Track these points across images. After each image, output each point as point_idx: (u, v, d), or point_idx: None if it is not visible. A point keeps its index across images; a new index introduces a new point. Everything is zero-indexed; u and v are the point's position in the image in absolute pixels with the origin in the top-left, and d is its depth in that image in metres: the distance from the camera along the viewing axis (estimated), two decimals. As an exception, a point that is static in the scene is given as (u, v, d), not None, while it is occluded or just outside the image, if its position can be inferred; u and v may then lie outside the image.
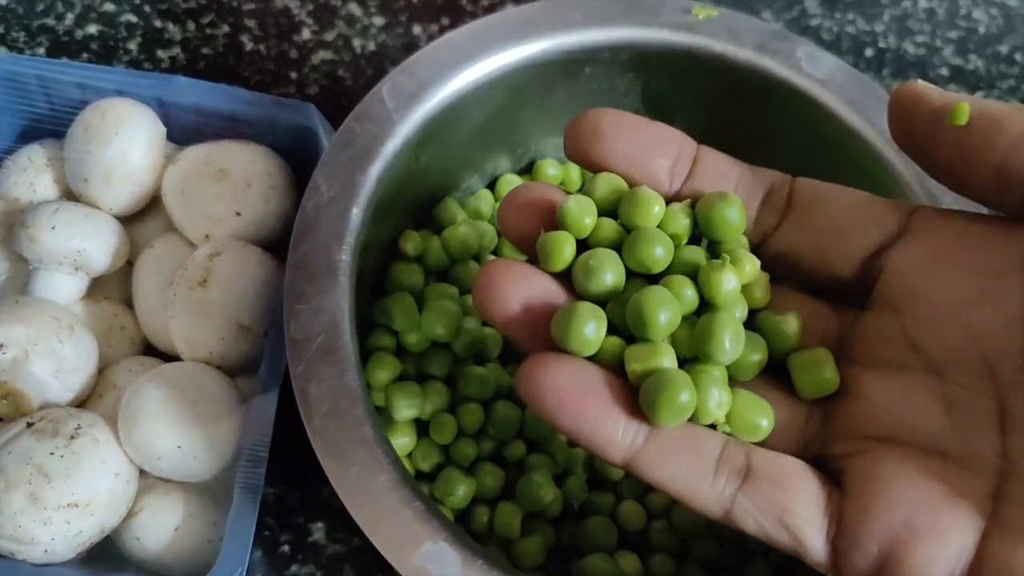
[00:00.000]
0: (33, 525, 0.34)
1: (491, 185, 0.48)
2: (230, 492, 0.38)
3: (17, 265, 0.43)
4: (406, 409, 0.38)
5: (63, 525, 0.35)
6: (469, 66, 0.39)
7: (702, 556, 0.40)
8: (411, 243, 0.43)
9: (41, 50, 0.54)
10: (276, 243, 0.43)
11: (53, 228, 0.40)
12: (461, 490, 0.38)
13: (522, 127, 0.45)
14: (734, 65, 0.41)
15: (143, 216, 0.45)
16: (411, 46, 0.56)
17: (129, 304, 0.44)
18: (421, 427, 0.41)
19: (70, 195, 0.44)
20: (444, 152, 0.42)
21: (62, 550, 0.35)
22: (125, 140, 0.42)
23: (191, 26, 0.56)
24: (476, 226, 0.44)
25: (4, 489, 0.35)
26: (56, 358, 0.38)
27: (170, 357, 0.43)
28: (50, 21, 0.55)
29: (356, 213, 0.35)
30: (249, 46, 0.55)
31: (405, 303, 0.39)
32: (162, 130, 0.43)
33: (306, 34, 0.56)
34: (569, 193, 0.28)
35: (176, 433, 0.36)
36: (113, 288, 0.44)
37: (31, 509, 0.34)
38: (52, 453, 0.35)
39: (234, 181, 0.42)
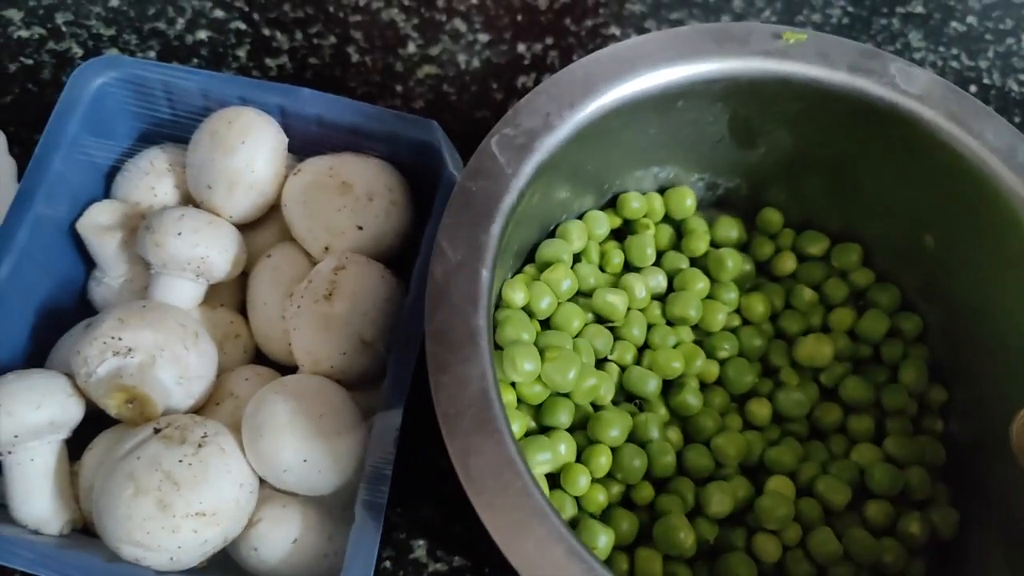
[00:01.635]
0: (161, 532, 0.34)
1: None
2: (347, 507, 0.38)
3: (135, 268, 0.43)
4: (541, 464, 0.37)
5: (190, 534, 0.35)
6: (571, 113, 0.39)
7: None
8: (519, 292, 0.41)
9: (152, 53, 0.54)
10: (393, 259, 0.43)
11: (179, 234, 0.40)
12: (603, 540, 0.37)
13: (610, 164, 0.44)
14: (828, 87, 0.41)
15: (259, 225, 0.45)
16: (515, 64, 0.56)
17: (242, 312, 0.44)
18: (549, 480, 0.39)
19: (190, 200, 0.44)
20: (545, 198, 0.41)
21: (187, 559, 0.35)
22: (251, 149, 0.42)
23: (299, 35, 0.56)
24: (577, 268, 0.43)
25: (133, 495, 0.35)
26: (181, 364, 0.38)
27: (282, 367, 0.43)
28: (161, 25, 0.55)
29: (485, 275, 0.35)
30: (355, 57, 0.55)
31: (524, 355, 0.37)
32: (285, 140, 0.43)
33: (411, 48, 0.56)
34: None
35: (302, 446, 0.36)
36: (226, 295, 0.44)
37: (160, 516, 0.34)
38: (181, 460, 0.35)
39: (357, 194, 0.42)
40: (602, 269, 0.45)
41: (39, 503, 0.37)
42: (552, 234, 0.45)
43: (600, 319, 0.43)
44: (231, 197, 0.42)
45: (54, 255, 0.43)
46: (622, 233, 0.47)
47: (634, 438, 0.41)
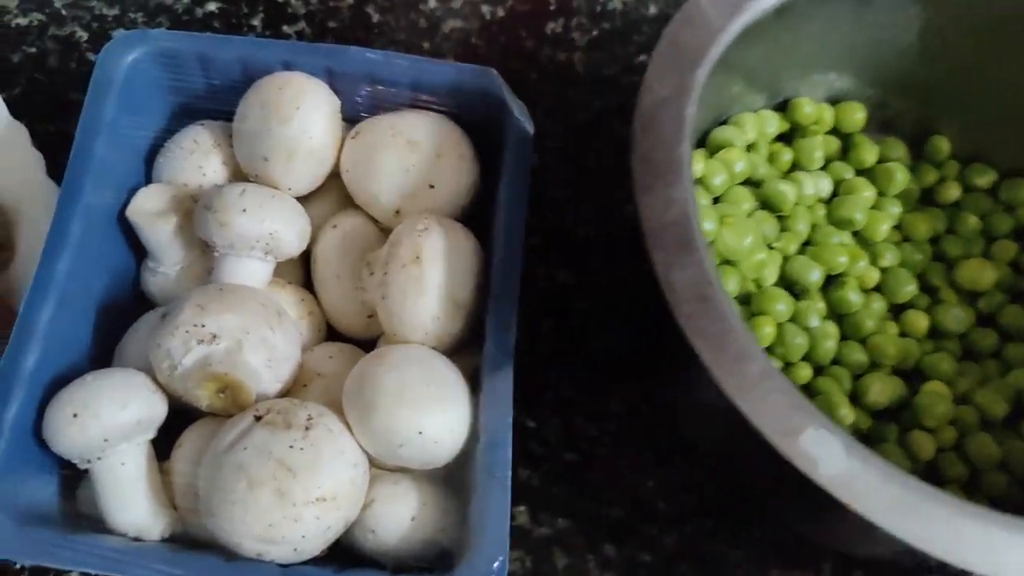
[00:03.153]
0: (284, 523, 0.32)
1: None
2: (457, 478, 0.36)
3: (192, 254, 0.40)
4: None
5: (313, 521, 0.33)
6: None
7: (991, 492, 0.39)
8: (697, 163, 0.42)
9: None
10: (465, 218, 0.41)
11: (244, 211, 0.38)
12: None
13: (791, 61, 0.44)
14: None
15: (316, 195, 0.42)
16: (541, 10, 0.54)
17: (308, 288, 0.42)
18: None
19: (240, 176, 0.42)
20: (726, 78, 0.40)
21: (310, 548, 0.34)
22: (306, 115, 0.39)
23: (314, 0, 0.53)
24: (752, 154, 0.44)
25: (248, 487, 0.32)
26: (268, 347, 0.36)
27: (355, 342, 0.41)
28: (167, 0, 0.52)
29: (690, 111, 0.36)
30: (376, 17, 0.53)
31: (703, 215, 0.38)
32: (338, 103, 0.41)
33: (432, 3, 0.54)
34: None
35: (417, 419, 0.34)
36: (288, 273, 0.42)
37: (280, 506, 0.32)
38: (291, 446, 0.33)
39: (424, 152, 0.40)
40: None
41: (136, 509, 0.35)
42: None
43: (767, 208, 0.43)
44: (290, 168, 0.40)
45: (106, 247, 0.40)
46: (787, 140, 0.47)
47: (794, 322, 0.41)
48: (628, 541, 0.42)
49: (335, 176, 0.42)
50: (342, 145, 0.41)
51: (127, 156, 0.41)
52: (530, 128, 0.40)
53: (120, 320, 0.40)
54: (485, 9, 0.54)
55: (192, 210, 0.40)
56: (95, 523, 0.35)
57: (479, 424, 0.35)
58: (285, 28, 0.52)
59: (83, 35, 0.51)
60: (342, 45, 0.41)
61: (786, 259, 0.43)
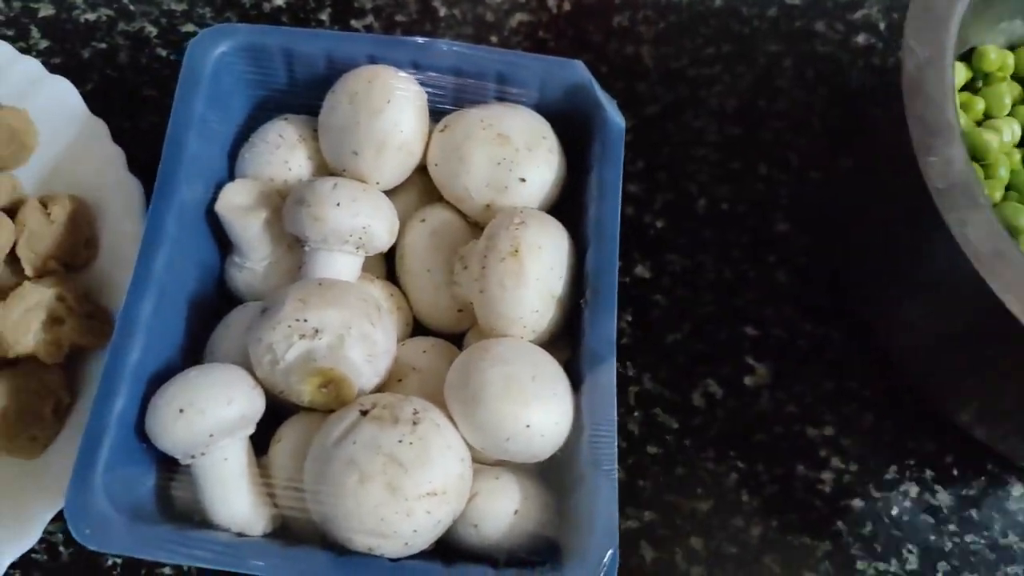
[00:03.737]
0: (396, 517, 0.32)
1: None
2: (557, 470, 0.36)
3: (279, 249, 0.40)
4: None
5: (424, 515, 0.33)
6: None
7: None
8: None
9: (231, 25, 0.51)
10: (553, 211, 0.41)
11: (338, 205, 0.38)
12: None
13: (988, 13, 0.44)
14: None
15: (399, 189, 0.42)
16: (607, 5, 0.54)
17: (391, 282, 0.42)
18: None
19: (324, 171, 0.41)
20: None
21: (420, 542, 0.34)
22: (397, 108, 0.39)
23: (381, -7, 0.53)
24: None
25: (359, 482, 0.32)
26: (368, 342, 0.36)
27: (443, 336, 0.41)
28: (234, -7, 0.52)
29: (950, 75, 0.36)
30: (443, 11, 0.53)
31: None
32: (425, 96, 0.41)
33: (498, -4, 0.54)
34: None
35: (524, 412, 0.34)
36: (370, 267, 0.42)
37: (392, 501, 0.32)
38: (400, 441, 0.33)
39: (515, 145, 0.40)
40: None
41: (239, 504, 0.35)
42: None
43: (972, 158, 0.42)
44: (380, 161, 0.40)
45: (197, 242, 0.40)
46: (968, 89, 0.47)
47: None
48: (714, 534, 0.42)
49: (418, 169, 0.42)
50: (429, 139, 0.41)
51: (213, 150, 0.41)
52: (621, 121, 0.40)
53: (207, 315, 0.40)
54: (551, 2, 0.54)
55: (279, 205, 0.39)
56: (190, 519, 0.35)
57: (582, 417, 0.35)
58: (353, 22, 0.52)
59: (152, 30, 0.50)
60: (428, 38, 0.41)
61: (994, 206, 0.42)
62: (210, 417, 0.34)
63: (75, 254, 0.42)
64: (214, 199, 0.40)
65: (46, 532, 0.39)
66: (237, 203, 0.40)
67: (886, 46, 0.54)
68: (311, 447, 0.35)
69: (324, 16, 0.52)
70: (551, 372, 0.36)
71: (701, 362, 0.45)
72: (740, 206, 0.49)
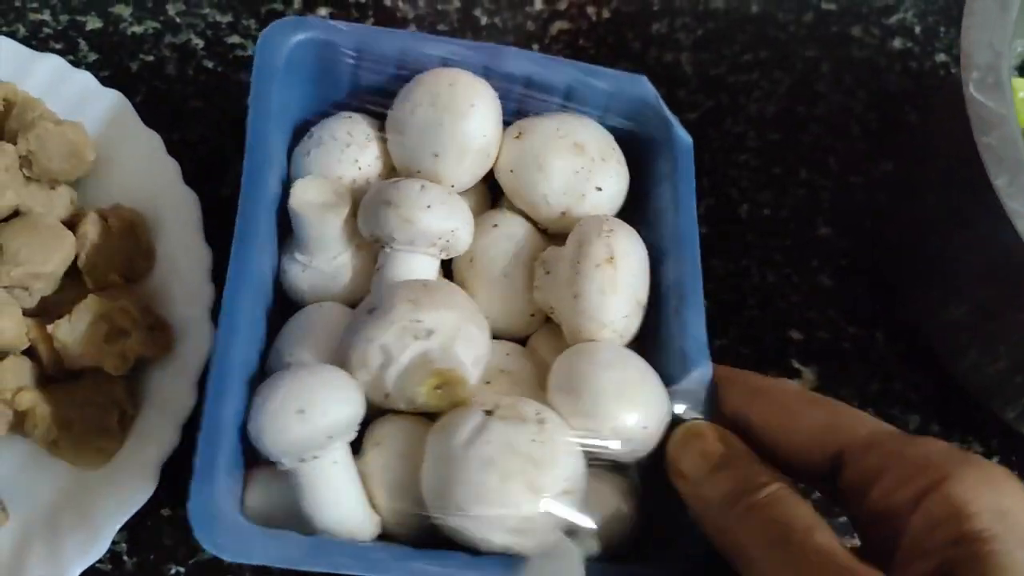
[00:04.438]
0: (537, 515, 0.33)
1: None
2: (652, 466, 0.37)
3: (350, 248, 0.39)
4: None
5: (561, 512, 0.33)
6: None
7: None
8: None
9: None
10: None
11: (428, 207, 0.37)
12: None
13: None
14: None
15: (464, 194, 0.42)
16: (646, 12, 0.54)
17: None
18: None
19: (390, 172, 0.41)
20: None
21: (550, 540, 0.34)
22: (481, 112, 0.39)
23: (421, 3, 0.53)
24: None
25: (501, 481, 0.32)
26: (475, 343, 0.36)
27: (509, 340, 0.41)
28: (278, 6, 0.52)
29: (1010, 92, 0.37)
30: (484, 20, 0.53)
31: None
32: (499, 103, 0.41)
33: (538, 4, 0.54)
34: None
35: (643, 414, 0.35)
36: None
37: (533, 499, 0.32)
38: (533, 440, 0.33)
39: (591, 155, 0.41)
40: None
41: (348, 507, 0.34)
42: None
43: None
44: (460, 165, 0.40)
45: (271, 239, 0.39)
46: None
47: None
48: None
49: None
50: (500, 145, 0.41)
51: (282, 146, 0.40)
52: (689, 139, 0.42)
53: (273, 314, 0.39)
54: (591, 10, 0.54)
55: (351, 205, 0.38)
56: (278, 525, 0.34)
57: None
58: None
59: (199, 43, 0.51)
60: (500, 45, 0.41)
61: None
62: (331, 418, 0.33)
63: (134, 266, 0.42)
64: (281, 195, 0.39)
65: (111, 542, 0.39)
66: (313, 200, 0.38)
67: (922, 49, 0.55)
68: (432, 450, 0.34)
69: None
70: (652, 376, 0.37)
71: (748, 367, 0.46)
72: (782, 211, 0.50)
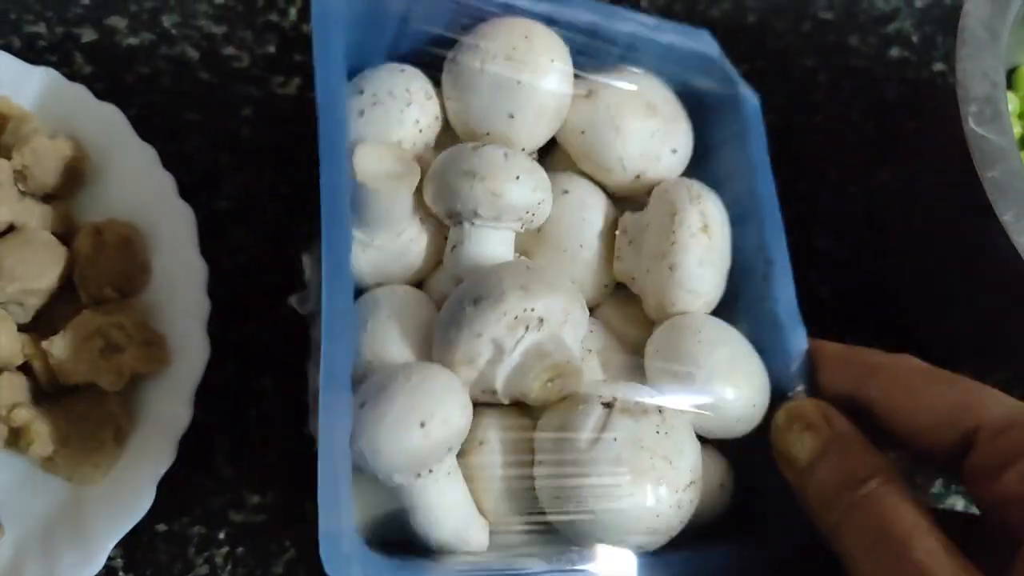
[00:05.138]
0: (670, 512, 0.31)
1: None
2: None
3: (415, 224, 0.36)
4: None
5: (688, 506, 0.32)
6: None
7: None
8: None
9: (271, 48, 0.51)
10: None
11: (517, 178, 0.34)
12: None
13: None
14: None
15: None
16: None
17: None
18: None
19: (451, 133, 0.37)
20: None
21: (681, 531, 0.33)
22: (560, 69, 0.36)
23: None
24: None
25: (633, 481, 0.30)
26: (580, 327, 0.33)
27: None
28: (274, 17, 0.52)
29: (1007, 114, 0.37)
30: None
31: None
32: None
33: None
34: None
35: (752, 392, 0.35)
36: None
37: (666, 496, 0.31)
38: (657, 432, 0.32)
39: (664, 115, 0.38)
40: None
41: (463, 519, 0.32)
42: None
43: None
44: (536, 126, 0.36)
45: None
46: None
47: None
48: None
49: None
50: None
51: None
52: (755, 99, 0.40)
53: None
54: None
55: (417, 173, 0.35)
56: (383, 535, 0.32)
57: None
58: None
59: (194, 54, 0.50)
60: None
61: None
62: (452, 427, 0.30)
63: (130, 281, 0.42)
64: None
65: (106, 558, 0.39)
66: (379, 170, 0.34)
67: (919, 59, 0.55)
68: (545, 448, 0.32)
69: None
70: (753, 351, 0.36)
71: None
72: (780, 222, 0.50)
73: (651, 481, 0.31)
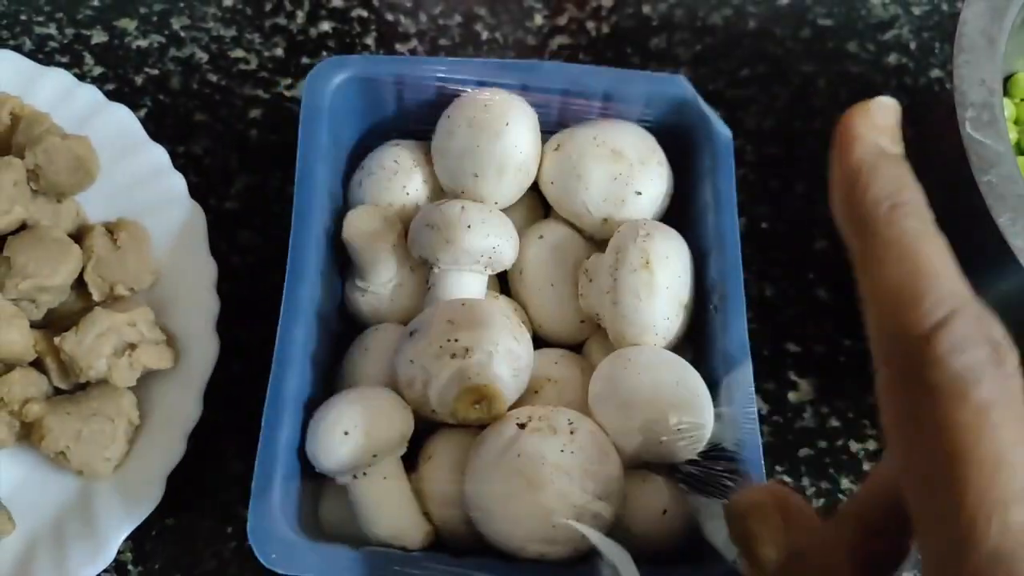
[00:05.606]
0: (567, 524, 0.33)
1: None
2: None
3: (404, 271, 0.41)
4: None
5: (590, 520, 0.34)
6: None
7: None
8: None
9: (279, 50, 0.52)
10: (664, 222, 0.42)
11: (469, 227, 0.39)
12: None
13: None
14: None
15: (509, 208, 0.43)
16: (645, 27, 0.55)
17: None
18: None
19: (438, 194, 0.43)
20: None
21: (586, 546, 0.34)
22: (515, 130, 0.41)
23: (423, 18, 0.54)
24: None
25: (530, 492, 0.34)
26: (512, 357, 0.37)
27: (564, 347, 0.42)
28: (281, 20, 0.53)
29: (1003, 121, 0.37)
30: (485, 35, 0.54)
31: None
32: (536, 117, 0.42)
33: (538, 20, 0.55)
34: None
35: (676, 416, 0.36)
36: (489, 284, 0.42)
37: (562, 508, 0.34)
38: (562, 450, 0.34)
39: (629, 160, 0.41)
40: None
41: (400, 519, 0.36)
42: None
43: None
44: (500, 182, 0.41)
45: (328, 268, 0.41)
46: None
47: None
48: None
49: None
50: (541, 158, 0.42)
51: (334, 178, 0.43)
52: (728, 132, 0.42)
53: (335, 340, 0.41)
54: (590, 25, 0.55)
55: (401, 229, 0.41)
56: (337, 537, 0.36)
57: (723, 421, 0.37)
58: (399, 46, 0.53)
59: (203, 56, 0.51)
60: (535, 61, 0.42)
61: None
62: (374, 438, 0.35)
63: (140, 279, 0.42)
64: (336, 226, 0.41)
65: (116, 551, 0.39)
66: (363, 229, 0.41)
67: (917, 65, 0.55)
68: (471, 463, 0.36)
69: (370, 40, 0.53)
70: (691, 376, 0.38)
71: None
72: (779, 225, 0.51)
73: (549, 494, 0.33)
